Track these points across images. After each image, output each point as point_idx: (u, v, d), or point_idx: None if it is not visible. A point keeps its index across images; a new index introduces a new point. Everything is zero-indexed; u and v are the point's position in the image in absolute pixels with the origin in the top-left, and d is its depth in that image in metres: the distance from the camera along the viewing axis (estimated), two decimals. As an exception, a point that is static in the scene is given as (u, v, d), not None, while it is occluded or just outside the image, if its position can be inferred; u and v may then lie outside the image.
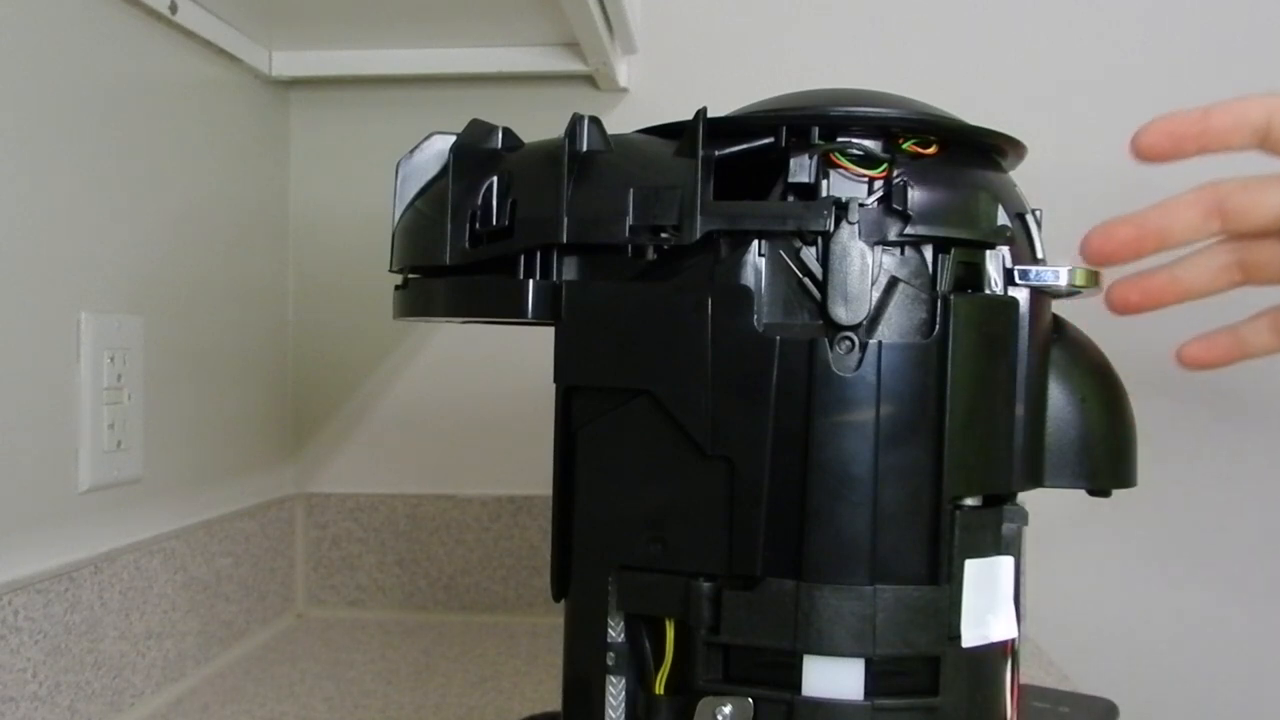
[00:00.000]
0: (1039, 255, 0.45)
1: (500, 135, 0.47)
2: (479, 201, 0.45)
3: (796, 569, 0.40)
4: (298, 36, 1.00)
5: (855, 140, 0.42)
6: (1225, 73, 1.02)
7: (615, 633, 0.44)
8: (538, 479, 1.06)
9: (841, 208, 0.41)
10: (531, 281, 0.44)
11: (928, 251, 0.42)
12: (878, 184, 0.42)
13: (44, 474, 0.72)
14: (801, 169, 0.42)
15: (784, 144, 0.42)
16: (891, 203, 0.41)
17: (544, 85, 1.05)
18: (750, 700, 0.41)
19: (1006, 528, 0.43)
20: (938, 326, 0.41)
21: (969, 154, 0.45)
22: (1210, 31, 1.03)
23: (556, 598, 0.46)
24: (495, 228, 0.45)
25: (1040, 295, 0.45)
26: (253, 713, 0.81)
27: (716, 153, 0.42)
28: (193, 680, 0.87)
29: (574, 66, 1.00)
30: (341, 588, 1.09)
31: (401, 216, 0.48)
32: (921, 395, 0.41)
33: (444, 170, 0.47)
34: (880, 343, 0.40)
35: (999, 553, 0.43)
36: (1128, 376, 0.48)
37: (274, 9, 0.93)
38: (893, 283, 0.41)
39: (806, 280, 0.41)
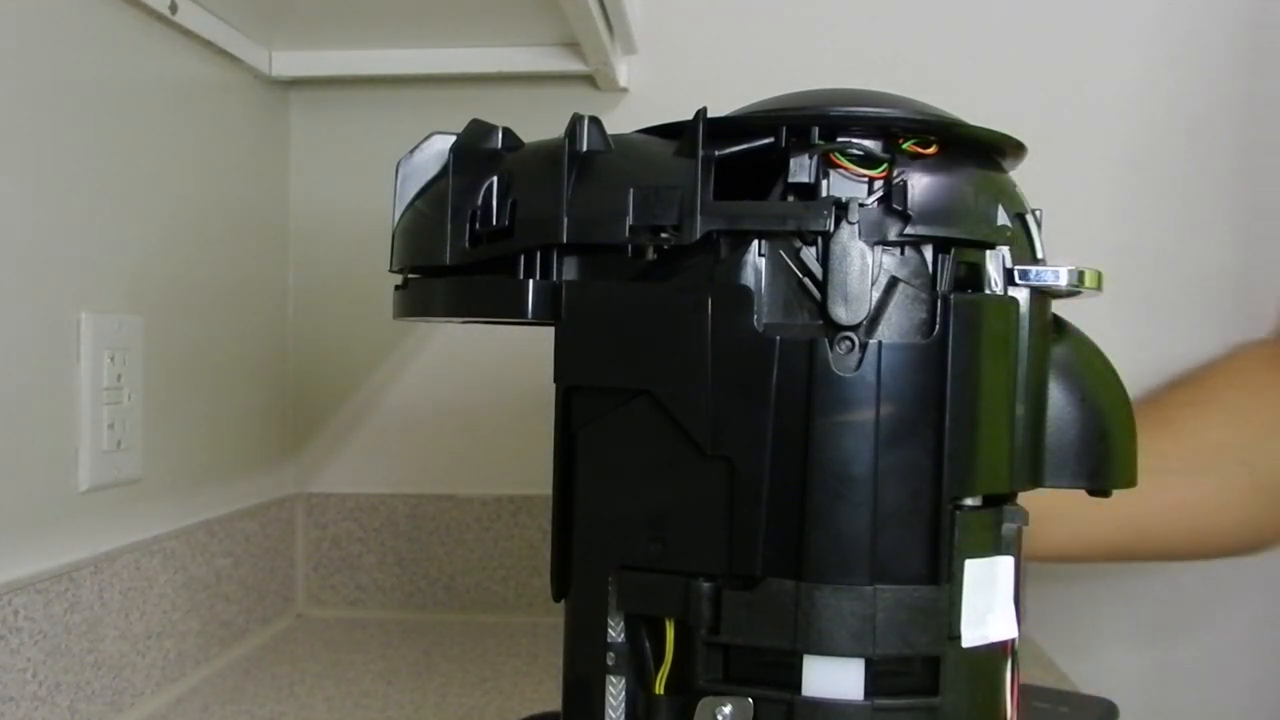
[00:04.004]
0: (1039, 255, 0.45)
1: (500, 135, 0.47)
2: (479, 201, 0.45)
3: (796, 569, 0.40)
4: (298, 36, 1.00)
5: (855, 140, 0.42)
6: (1227, 72, 1.02)
7: (615, 633, 0.44)
8: (538, 479, 1.06)
9: (841, 208, 0.41)
10: (531, 281, 0.44)
11: (928, 251, 0.42)
12: (878, 184, 0.42)
13: (44, 474, 0.72)
14: (801, 169, 0.41)
15: (784, 144, 0.42)
16: (891, 203, 0.41)
17: (544, 85, 1.05)
18: (750, 700, 0.41)
19: (1006, 528, 0.43)
20: (938, 326, 0.41)
21: (969, 154, 0.44)
22: (1213, 31, 1.03)
23: (556, 598, 0.46)
24: (495, 228, 0.44)
25: (1040, 295, 0.45)
26: (253, 713, 0.81)
27: (716, 153, 0.42)
28: (193, 680, 0.87)
29: (574, 66, 1.00)
30: (341, 588, 1.09)
31: (401, 216, 0.48)
32: (921, 395, 0.41)
33: (444, 170, 0.47)
34: (880, 343, 0.40)
35: (999, 553, 0.43)
36: (1128, 376, 0.48)
37: (274, 9, 0.93)
38: (893, 283, 0.41)
39: (806, 280, 0.41)
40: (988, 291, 0.43)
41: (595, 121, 0.44)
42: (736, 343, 0.41)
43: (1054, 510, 0.62)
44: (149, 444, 0.82)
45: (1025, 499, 0.45)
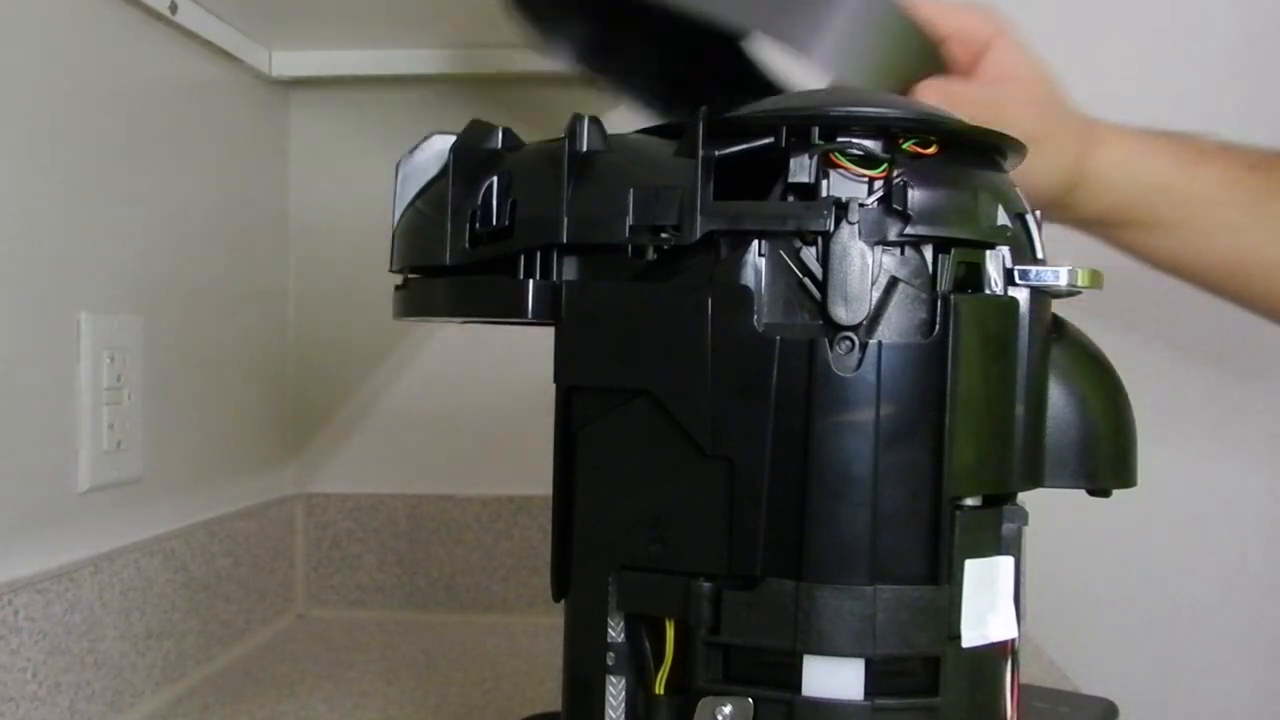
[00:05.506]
0: (1039, 255, 0.45)
1: (500, 135, 0.47)
2: (479, 201, 0.45)
3: (796, 569, 0.40)
4: (298, 36, 1.00)
5: (855, 140, 0.42)
6: (1226, 75, 1.02)
7: (615, 633, 0.44)
8: (538, 479, 1.06)
9: (841, 208, 0.41)
10: (531, 281, 0.44)
11: (928, 251, 0.42)
12: (878, 184, 0.42)
13: (44, 474, 0.72)
14: (801, 169, 0.41)
15: (784, 144, 0.42)
16: (891, 203, 0.41)
17: (544, 85, 1.05)
18: (750, 700, 0.41)
19: (1006, 528, 0.43)
20: (938, 326, 0.41)
21: (969, 154, 0.45)
22: (1212, 32, 1.03)
23: (556, 598, 0.46)
24: (495, 228, 0.45)
25: (1040, 295, 0.45)
26: (253, 713, 0.81)
27: (716, 153, 0.42)
28: (193, 680, 0.87)
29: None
30: (341, 588, 1.09)
31: (401, 216, 0.48)
32: (921, 395, 0.41)
33: (444, 170, 0.47)
34: (880, 343, 0.40)
35: (999, 553, 0.43)
36: (1127, 376, 0.48)
37: (274, 9, 0.93)
38: (893, 283, 0.41)
39: (806, 280, 0.41)
40: (988, 291, 0.43)
41: (595, 121, 0.45)
42: (736, 343, 0.41)
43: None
44: (149, 444, 0.82)
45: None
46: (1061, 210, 0.67)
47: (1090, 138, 0.66)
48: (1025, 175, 0.59)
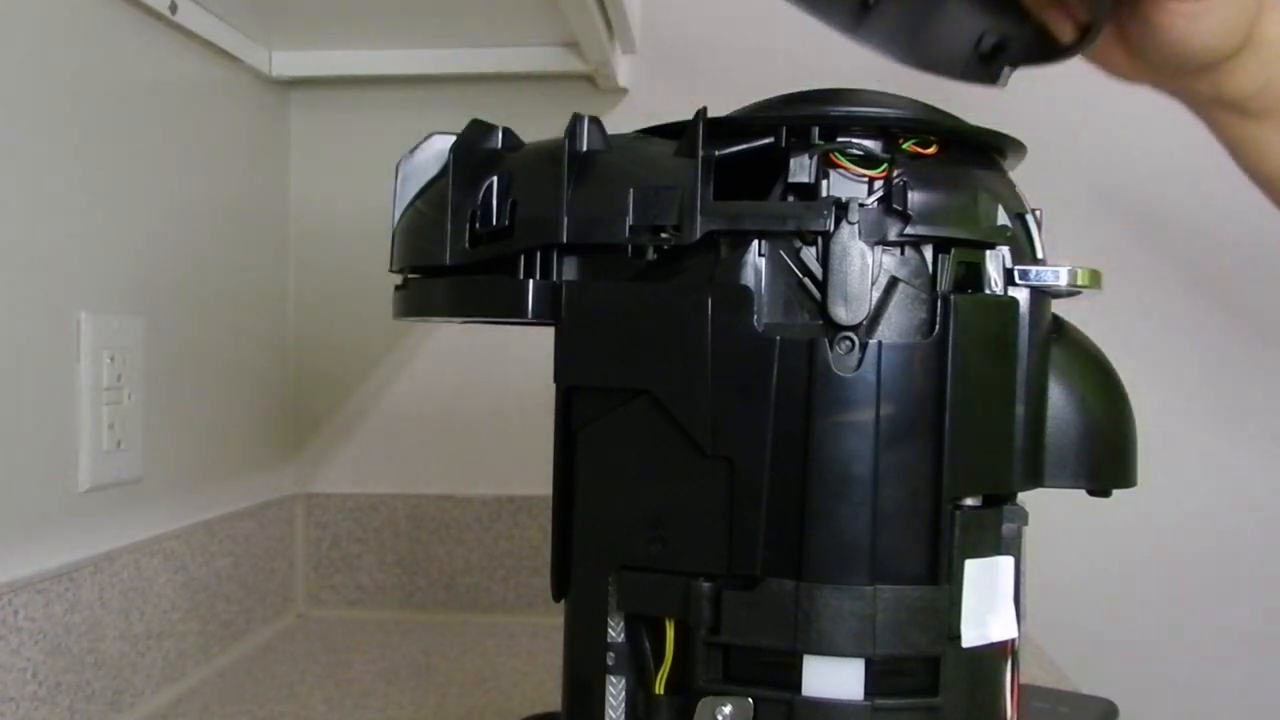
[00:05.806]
0: (1039, 255, 0.45)
1: (500, 135, 0.47)
2: (479, 201, 0.45)
3: (796, 569, 0.40)
4: (298, 36, 1.00)
5: (855, 140, 0.42)
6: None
7: (615, 633, 0.44)
8: (538, 479, 1.06)
9: (841, 208, 0.41)
10: (531, 281, 0.44)
11: (928, 251, 0.42)
12: (878, 184, 0.42)
13: (44, 474, 0.72)
14: (801, 169, 0.42)
15: (784, 144, 0.42)
16: (891, 203, 0.41)
17: (544, 85, 1.05)
18: (750, 700, 0.41)
19: (1006, 528, 0.43)
20: (938, 326, 0.41)
21: (969, 154, 0.45)
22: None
23: (556, 598, 0.46)
24: (495, 228, 0.45)
25: (1040, 295, 0.45)
26: (253, 713, 0.81)
27: (716, 153, 0.42)
28: (193, 680, 0.87)
29: (574, 66, 1.00)
30: (341, 588, 1.09)
31: (401, 216, 0.48)
32: (921, 395, 0.41)
33: (444, 170, 0.47)
34: (880, 343, 0.40)
35: (999, 553, 0.43)
36: (1128, 376, 0.48)
37: (274, 9, 0.93)
38: (893, 283, 0.41)
39: (806, 280, 0.41)
40: (988, 291, 0.43)
41: (595, 121, 0.45)
42: (736, 343, 0.41)
43: None
44: (149, 444, 0.82)
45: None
46: (1212, 81, 0.61)
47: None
48: (1202, 33, 0.56)
